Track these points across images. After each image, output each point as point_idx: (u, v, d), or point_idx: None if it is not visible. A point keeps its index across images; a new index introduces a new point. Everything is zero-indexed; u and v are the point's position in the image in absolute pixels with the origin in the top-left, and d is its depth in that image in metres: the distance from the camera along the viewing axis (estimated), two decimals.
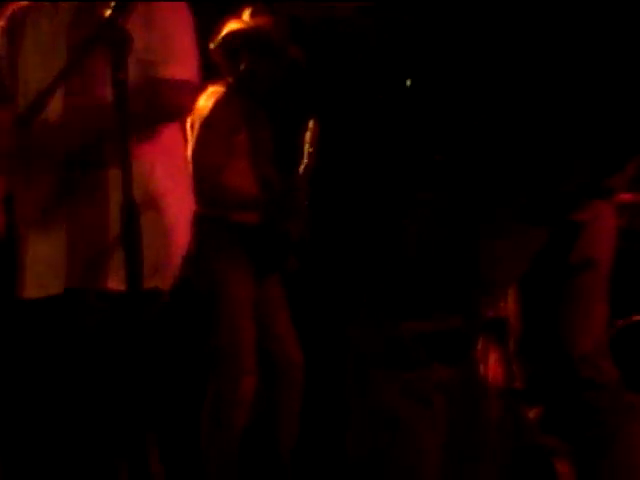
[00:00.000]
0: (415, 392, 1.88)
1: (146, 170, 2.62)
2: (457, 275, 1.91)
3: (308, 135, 3.93)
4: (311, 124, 3.93)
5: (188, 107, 2.89)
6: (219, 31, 3.91)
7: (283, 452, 3.99)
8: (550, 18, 1.86)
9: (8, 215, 2.72)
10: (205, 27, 3.25)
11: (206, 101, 3.89)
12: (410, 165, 2.06)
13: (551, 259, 2.09)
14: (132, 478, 2.14)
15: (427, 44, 1.92)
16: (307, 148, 3.93)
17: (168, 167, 2.74)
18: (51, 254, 2.63)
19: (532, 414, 2.18)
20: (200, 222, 3.35)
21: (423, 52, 1.93)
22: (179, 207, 2.75)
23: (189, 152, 3.77)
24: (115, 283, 2.49)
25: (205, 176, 3.73)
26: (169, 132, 2.75)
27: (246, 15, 3.91)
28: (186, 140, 3.70)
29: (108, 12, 2.07)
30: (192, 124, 3.87)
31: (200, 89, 2.84)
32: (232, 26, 3.90)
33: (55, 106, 2.60)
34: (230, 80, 3.93)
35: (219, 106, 3.87)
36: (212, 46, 3.89)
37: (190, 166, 3.55)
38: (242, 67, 3.89)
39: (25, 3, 2.81)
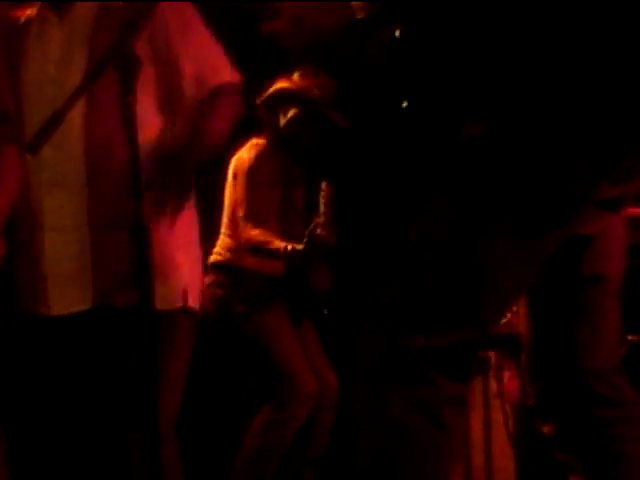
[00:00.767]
0: (425, 406, 1.88)
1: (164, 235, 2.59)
2: (464, 282, 1.90)
3: (322, 195, 4.10)
4: (324, 186, 4.10)
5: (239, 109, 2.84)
6: (267, 88, 4.11)
7: (307, 463, 4.22)
8: (550, 13, 1.86)
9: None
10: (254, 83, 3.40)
11: (248, 152, 4.13)
12: (417, 171, 2.06)
13: (561, 273, 2.09)
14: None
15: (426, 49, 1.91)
16: (322, 208, 4.09)
17: (183, 239, 2.71)
18: (77, 271, 2.57)
19: (546, 429, 2.17)
20: (228, 271, 3.72)
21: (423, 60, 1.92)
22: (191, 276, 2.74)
23: (231, 200, 4.12)
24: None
25: (245, 225, 4.01)
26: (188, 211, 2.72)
27: (296, 76, 4.07)
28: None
29: (117, 35, 2.08)
30: (235, 174, 4.12)
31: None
32: (280, 84, 4.08)
33: (76, 117, 2.52)
34: (272, 135, 4.13)
35: (260, 158, 4.10)
36: (259, 101, 4.09)
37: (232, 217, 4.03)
38: (285, 125, 4.07)
39: (25, 16, 2.64)
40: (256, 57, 4.28)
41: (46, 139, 2.11)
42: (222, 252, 4.11)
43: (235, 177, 4.11)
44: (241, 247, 4.05)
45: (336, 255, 4.18)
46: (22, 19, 2.66)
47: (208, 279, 3.90)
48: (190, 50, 2.65)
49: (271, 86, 4.11)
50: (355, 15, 1.95)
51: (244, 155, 4.12)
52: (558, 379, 2.12)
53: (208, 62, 2.70)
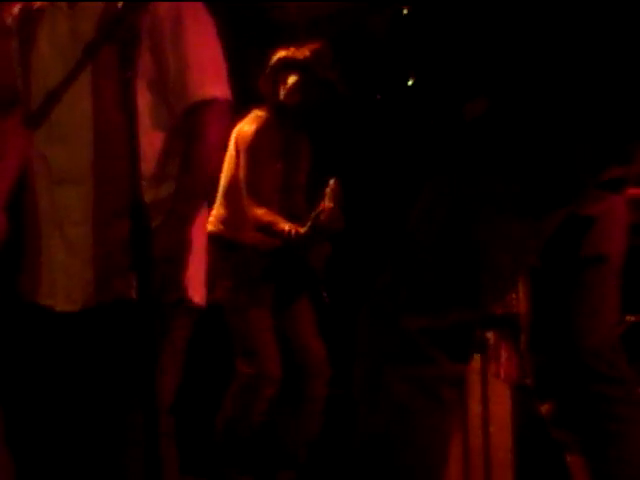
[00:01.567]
0: (425, 386, 1.88)
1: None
2: (464, 264, 1.89)
3: (328, 192, 4.08)
4: (332, 182, 4.08)
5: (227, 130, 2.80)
6: (269, 59, 4.15)
7: (300, 443, 4.21)
8: (552, 8, 1.85)
9: (13, 222, 2.64)
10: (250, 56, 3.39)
11: (250, 125, 4.10)
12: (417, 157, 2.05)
13: (562, 253, 2.09)
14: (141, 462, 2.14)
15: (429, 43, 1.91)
16: (327, 202, 4.07)
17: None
18: (79, 267, 2.57)
19: (544, 408, 2.17)
20: (219, 243, 3.69)
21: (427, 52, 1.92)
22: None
23: (231, 172, 4.09)
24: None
25: (249, 203, 4.00)
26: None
27: (293, 46, 4.13)
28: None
29: (118, 10, 2.05)
30: (236, 149, 4.09)
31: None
32: (280, 54, 4.13)
33: (84, 107, 2.52)
34: (273, 107, 4.13)
35: (262, 132, 4.08)
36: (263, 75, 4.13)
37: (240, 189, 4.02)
38: (286, 92, 4.09)
39: (38, 3, 2.66)
40: (255, 30, 4.27)
41: (47, 114, 2.08)
42: (215, 223, 4.09)
43: (237, 152, 4.08)
44: (240, 221, 4.04)
45: (338, 237, 4.18)
46: (35, 7, 2.67)
47: None
48: (178, 53, 2.56)
49: (271, 59, 4.13)
50: None
51: (245, 127, 4.10)
52: (556, 357, 2.12)
53: (194, 70, 2.57)
